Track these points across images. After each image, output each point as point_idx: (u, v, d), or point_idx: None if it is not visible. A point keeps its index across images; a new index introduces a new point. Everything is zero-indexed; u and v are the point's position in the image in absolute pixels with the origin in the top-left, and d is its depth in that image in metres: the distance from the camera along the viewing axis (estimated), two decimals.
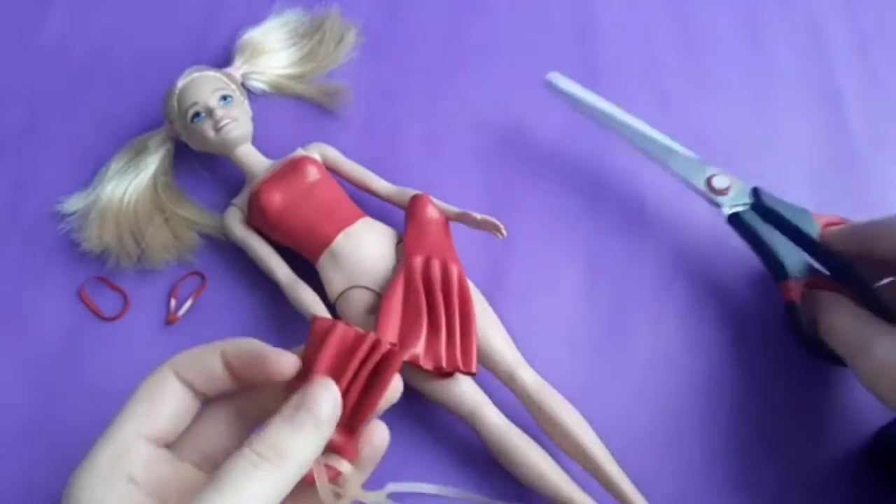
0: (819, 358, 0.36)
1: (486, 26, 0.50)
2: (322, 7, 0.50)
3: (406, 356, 0.35)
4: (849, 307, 0.35)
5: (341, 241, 0.39)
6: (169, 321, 0.41)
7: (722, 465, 0.37)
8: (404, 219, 0.40)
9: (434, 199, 0.41)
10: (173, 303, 0.41)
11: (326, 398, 0.24)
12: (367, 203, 0.42)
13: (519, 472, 0.35)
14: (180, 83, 0.42)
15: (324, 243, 0.39)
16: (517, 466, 0.35)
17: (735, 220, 0.39)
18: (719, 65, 0.49)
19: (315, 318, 0.26)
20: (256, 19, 0.48)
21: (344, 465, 0.25)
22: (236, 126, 0.42)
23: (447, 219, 0.41)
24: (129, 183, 0.43)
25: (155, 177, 0.43)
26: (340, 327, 0.26)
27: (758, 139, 0.46)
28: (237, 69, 0.46)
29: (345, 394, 0.25)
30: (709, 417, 0.38)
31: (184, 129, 0.43)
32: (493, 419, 0.35)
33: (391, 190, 0.42)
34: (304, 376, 0.25)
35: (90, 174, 0.44)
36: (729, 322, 0.41)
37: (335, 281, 0.38)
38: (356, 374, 0.25)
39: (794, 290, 0.37)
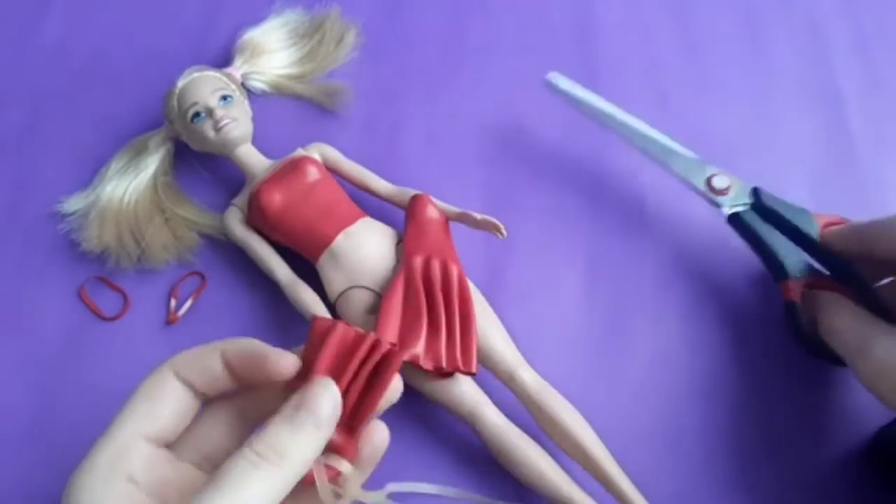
0: (819, 358, 0.36)
1: (486, 26, 0.50)
2: (322, 7, 0.50)
3: (406, 356, 0.35)
4: (849, 307, 0.35)
5: (341, 241, 0.39)
6: (169, 321, 0.41)
7: (722, 465, 0.37)
8: (404, 219, 0.40)
9: (434, 199, 0.41)
10: (173, 303, 0.41)
11: (326, 398, 0.24)
12: (367, 203, 0.42)
13: (519, 472, 0.35)
14: (180, 83, 0.42)
15: (324, 243, 0.39)
16: (517, 466, 0.35)
17: (735, 220, 0.39)
18: (719, 65, 0.49)
19: (315, 318, 0.26)
20: (256, 19, 0.48)
21: (344, 465, 0.25)
22: (236, 126, 0.42)
23: (447, 219, 0.41)
24: (129, 183, 0.43)
25: (155, 177, 0.43)
26: (340, 327, 0.26)
27: (758, 139, 0.46)
28: (237, 69, 0.46)
29: (345, 394, 0.25)
30: (709, 417, 0.38)
31: (184, 129, 0.43)
32: (493, 419, 0.35)
33: (391, 190, 0.42)
34: (304, 376, 0.25)
35: (90, 174, 0.44)
36: (729, 322, 0.41)
37: (335, 281, 0.38)
38: (356, 374, 0.25)
39: (794, 290, 0.37)
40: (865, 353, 0.32)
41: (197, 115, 0.41)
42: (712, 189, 0.39)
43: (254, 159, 0.42)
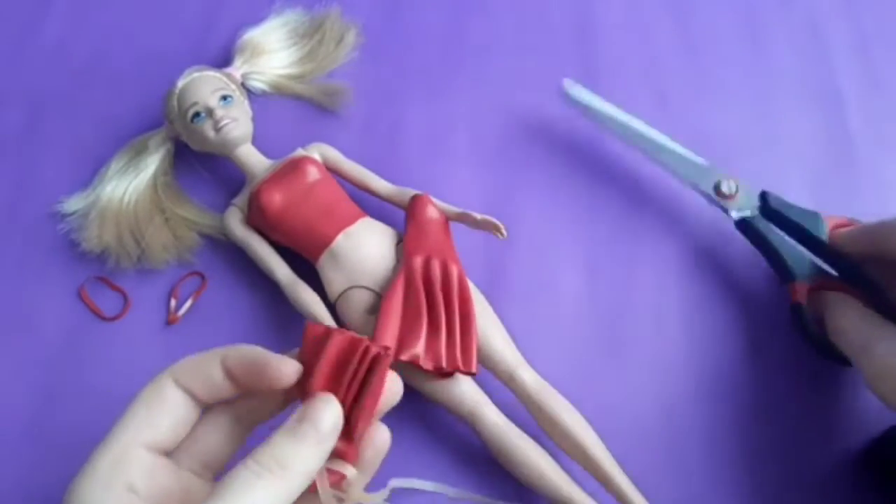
0: (828, 358, 0.36)
1: (486, 26, 0.50)
2: (322, 7, 0.50)
3: (406, 356, 0.35)
4: (856, 307, 0.35)
5: (341, 241, 0.39)
6: (169, 321, 0.41)
7: (722, 466, 0.37)
8: (404, 219, 0.40)
9: (434, 199, 0.41)
10: (173, 303, 0.41)
11: (329, 412, 0.24)
12: (367, 203, 0.42)
13: (519, 472, 0.35)
14: (180, 83, 0.42)
15: (324, 243, 0.39)
16: (517, 466, 0.35)
17: (743, 224, 0.39)
18: (719, 65, 0.49)
19: (308, 325, 0.26)
20: (256, 19, 0.48)
21: (347, 469, 0.25)
22: (236, 126, 0.42)
23: (447, 219, 0.41)
24: (129, 183, 0.43)
25: (155, 177, 0.43)
26: (335, 336, 0.25)
27: (758, 139, 0.46)
28: (237, 69, 0.46)
29: (343, 400, 0.25)
30: (710, 418, 0.38)
31: (184, 129, 0.43)
32: (493, 419, 0.35)
33: (391, 190, 0.42)
34: (300, 382, 0.25)
35: (90, 174, 0.44)
36: (730, 322, 0.41)
37: (335, 281, 0.38)
38: (352, 380, 0.25)
39: (801, 292, 0.37)
40: (869, 353, 0.32)
41: (197, 115, 0.41)
42: (720, 194, 0.40)
43: (254, 159, 0.42)
